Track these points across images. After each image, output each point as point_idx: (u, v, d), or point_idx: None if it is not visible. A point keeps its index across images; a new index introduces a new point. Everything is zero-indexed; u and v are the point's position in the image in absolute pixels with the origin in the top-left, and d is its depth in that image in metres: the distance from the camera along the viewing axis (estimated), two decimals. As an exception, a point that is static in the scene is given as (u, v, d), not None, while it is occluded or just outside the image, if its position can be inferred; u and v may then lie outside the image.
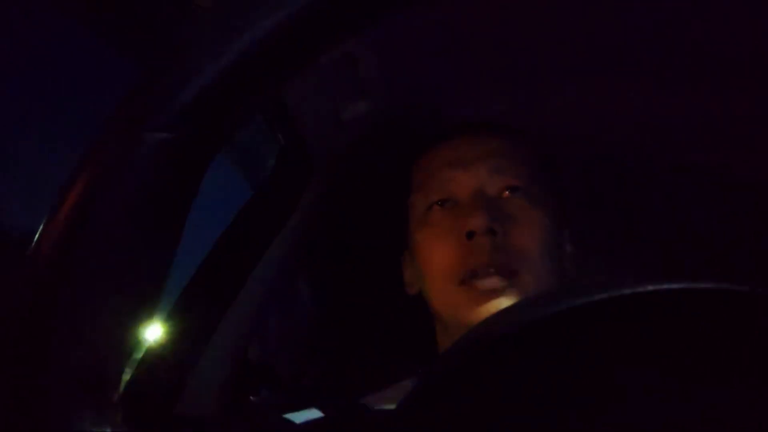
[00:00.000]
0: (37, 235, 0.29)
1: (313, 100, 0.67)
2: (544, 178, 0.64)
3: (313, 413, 0.53)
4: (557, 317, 0.24)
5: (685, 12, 0.59)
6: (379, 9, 0.30)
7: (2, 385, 0.28)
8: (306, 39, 0.29)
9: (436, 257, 0.60)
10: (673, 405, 0.26)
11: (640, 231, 0.85)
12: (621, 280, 0.23)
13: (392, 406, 0.32)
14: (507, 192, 0.61)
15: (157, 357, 0.59)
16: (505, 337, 0.24)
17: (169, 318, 0.61)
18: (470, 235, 0.57)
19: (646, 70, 0.68)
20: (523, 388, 0.22)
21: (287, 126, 0.70)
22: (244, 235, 0.67)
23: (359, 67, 0.64)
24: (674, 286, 0.24)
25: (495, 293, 0.56)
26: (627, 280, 0.23)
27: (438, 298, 0.60)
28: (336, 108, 0.69)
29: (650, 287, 0.23)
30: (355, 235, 0.80)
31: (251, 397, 0.74)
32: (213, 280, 0.64)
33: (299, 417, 0.54)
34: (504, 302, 0.55)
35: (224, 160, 0.77)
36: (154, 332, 0.59)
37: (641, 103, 0.71)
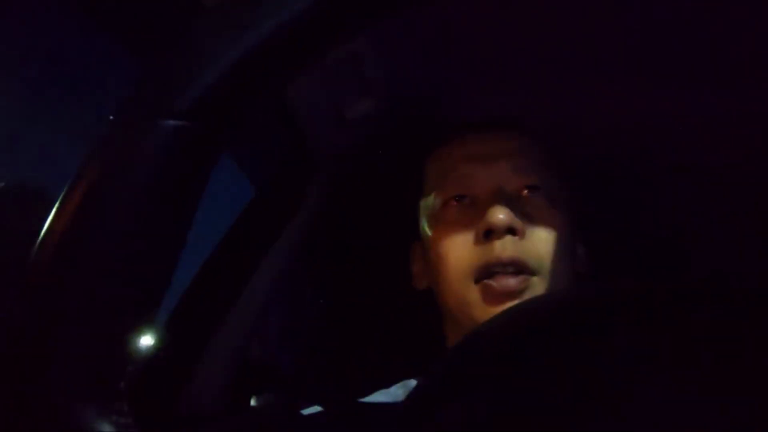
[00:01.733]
0: (47, 223, 0.29)
1: (317, 99, 0.67)
2: (561, 179, 0.63)
3: (316, 410, 0.53)
4: (568, 314, 0.24)
5: (686, 12, 0.60)
6: (392, 6, 0.30)
7: (7, 381, 0.28)
8: (322, 30, 0.29)
9: (452, 254, 0.59)
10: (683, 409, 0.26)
11: (639, 231, 0.85)
12: (634, 280, 0.23)
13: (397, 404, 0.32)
14: (526, 191, 0.60)
15: (160, 355, 0.59)
16: (514, 335, 0.24)
17: (172, 316, 0.61)
18: (489, 233, 0.56)
19: (647, 70, 0.68)
20: (533, 386, 0.22)
21: (290, 125, 0.70)
22: (247, 234, 0.67)
23: (363, 66, 0.64)
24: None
25: (512, 294, 0.55)
26: (640, 280, 0.23)
27: (451, 296, 0.59)
28: (339, 107, 0.69)
29: (659, 286, 0.23)
30: (358, 234, 0.80)
31: (253, 398, 0.74)
32: (216, 279, 0.64)
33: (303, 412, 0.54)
34: None
35: (228, 159, 0.76)
36: (156, 331, 0.59)
37: (642, 103, 0.71)
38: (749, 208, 0.77)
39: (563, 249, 0.59)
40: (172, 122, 0.28)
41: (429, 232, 0.62)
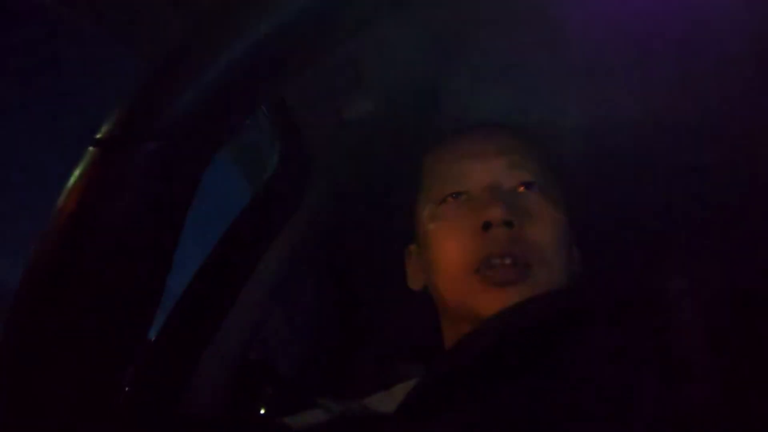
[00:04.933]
0: (36, 245, 0.29)
1: (315, 100, 0.68)
2: (557, 177, 0.64)
3: (316, 414, 0.53)
4: (565, 315, 0.24)
5: (686, 11, 0.60)
6: (376, 12, 0.30)
7: (6, 392, 0.28)
8: (301, 45, 0.28)
9: (450, 248, 0.60)
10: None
11: (639, 230, 0.85)
12: (627, 279, 0.23)
13: (395, 405, 0.32)
14: (522, 187, 0.61)
15: (159, 358, 0.59)
16: (512, 336, 0.24)
17: (171, 318, 0.60)
18: (486, 226, 0.57)
19: (647, 69, 0.68)
20: (529, 387, 0.22)
21: (289, 125, 0.70)
22: (246, 235, 0.67)
23: (361, 67, 0.65)
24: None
25: (509, 285, 0.56)
26: (634, 279, 0.23)
27: (449, 289, 0.60)
28: (337, 107, 0.70)
29: (659, 285, 0.23)
30: (357, 234, 0.80)
31: (253, 398, 0.74)
32: (215, 280, 0.64)
33: (302, 418, 0.54)
34: (517, 295, 0.55)
35: (225, 159, 0.77)
36: (155, 333, 0.59)
37: (642, 102, 0.71)
38: (749, 208, 0.77)
39: (560, 243, 0.60)
40: (152, 143, 0.27)
41: (427, 230, 0.63)
